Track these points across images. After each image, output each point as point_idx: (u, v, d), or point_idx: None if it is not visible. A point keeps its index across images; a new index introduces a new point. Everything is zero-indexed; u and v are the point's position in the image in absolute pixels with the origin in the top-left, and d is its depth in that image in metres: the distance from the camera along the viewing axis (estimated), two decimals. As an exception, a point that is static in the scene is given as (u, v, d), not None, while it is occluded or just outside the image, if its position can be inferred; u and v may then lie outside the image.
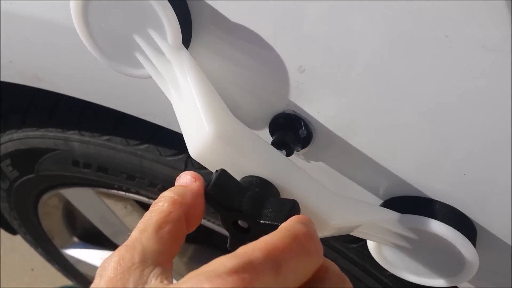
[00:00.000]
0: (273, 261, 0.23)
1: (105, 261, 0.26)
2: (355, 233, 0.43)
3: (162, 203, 0.29)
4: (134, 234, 0.27)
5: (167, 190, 0.30)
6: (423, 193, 0.43)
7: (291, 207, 0.31)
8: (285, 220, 0.29)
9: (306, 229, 0.26)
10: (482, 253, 0.44)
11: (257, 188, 0.33)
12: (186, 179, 0.31)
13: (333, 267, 0.27)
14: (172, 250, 0.27)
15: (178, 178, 0.32)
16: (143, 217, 0.28)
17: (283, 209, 0.31)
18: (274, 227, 0.29)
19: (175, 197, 0.29)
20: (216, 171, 0.32)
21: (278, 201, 0.32)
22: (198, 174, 0.32)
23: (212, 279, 0.22)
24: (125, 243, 0.26)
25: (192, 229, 0.30)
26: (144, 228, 0.27)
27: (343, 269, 0.60)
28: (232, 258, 0.23)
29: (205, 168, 0.37)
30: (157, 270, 0.25)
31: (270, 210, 0.31)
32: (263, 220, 0.31)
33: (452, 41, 0.32)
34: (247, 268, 0.23)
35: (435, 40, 0.32)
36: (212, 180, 0.31)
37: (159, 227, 0.27)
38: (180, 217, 0.28)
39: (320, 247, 0.26)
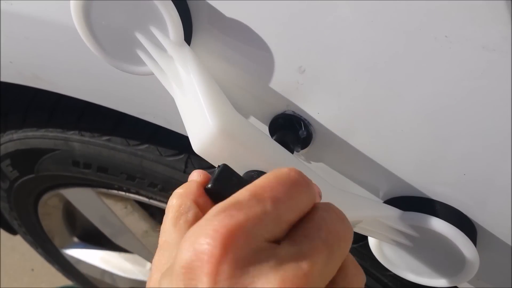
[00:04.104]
0: (259, 196, 0.24)
1: (152, 263, 0.30)
2: (356, 229, 0.43)
3: (172, 200, 0.31)
4: (161, 237, 0.30)
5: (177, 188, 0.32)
6: (423, 194, 0.43)
7: None
8: None
9: (290, 169, 0.26)
10: (482, 253, 0.44)
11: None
12: (193, 176, 0.33)
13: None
14: None
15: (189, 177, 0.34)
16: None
17: None
18: None
19: (181, 190, 0.31)
20: (218, 166, 0.32)
21: None
22: (204, 171, 0.33)
23: (203, 226, 0.23)
24: (158, 247, 0.29)
25: None
26: (164, 228, 0.30)
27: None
28: (221, 203, 0.24)
29: (205, 168, 0.37)
30: None
31: None
32: None
33: (452, 41, 0.32)
34: (233, 206, 0.23)
35: (435, 40, 0.32)
36: (214, 175, 0.31)
37: (175, 222, 0.29)
38: (190, 207, 0.30)
39: (309, 180, 0.27)
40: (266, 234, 0.23)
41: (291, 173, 0.26)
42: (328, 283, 0.24)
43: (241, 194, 0.24)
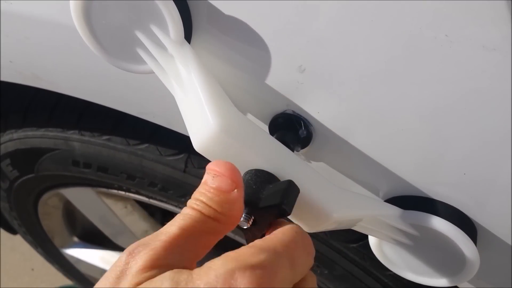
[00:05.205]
0: (291, 256, 0.27)
1: None
2: (356, 228, 0.43)
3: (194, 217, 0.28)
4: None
5: (205, 196, 0.29)
6: (423, 193, 0.43)
7: (287, 186, 0.32)
8: (282, 199, 0.31)
9: (307, 234, 0.29)
10: (483, 253, 0.44)
11: (257, 180, 0.34)
12: (226, 184, 0.29)
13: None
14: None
15: (216, 173, 0.29)
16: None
17: (279, 189, 0.32)
18: (273, 208, 0.31)
19: (209, 212, 0.28)
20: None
21: (274, 184, 0.33)
22: (239, 176, 0.29)
23: (244, 269, 0.24)
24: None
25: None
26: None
27: (343, 269, 0.60)
28: (260, 251, 0.25)
29: (204, 167, 0.37)
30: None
31: (267, 194, 0.32)
32: (261, 205, 0.32)
33: (452, 41, 0.32)
34: (273, 262, 0.25)
35: (435, 40, 0.32)
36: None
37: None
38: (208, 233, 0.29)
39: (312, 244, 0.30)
40: None
41: (309, 239, 0.29)
42: None
43: (277, 249, 0.26)
